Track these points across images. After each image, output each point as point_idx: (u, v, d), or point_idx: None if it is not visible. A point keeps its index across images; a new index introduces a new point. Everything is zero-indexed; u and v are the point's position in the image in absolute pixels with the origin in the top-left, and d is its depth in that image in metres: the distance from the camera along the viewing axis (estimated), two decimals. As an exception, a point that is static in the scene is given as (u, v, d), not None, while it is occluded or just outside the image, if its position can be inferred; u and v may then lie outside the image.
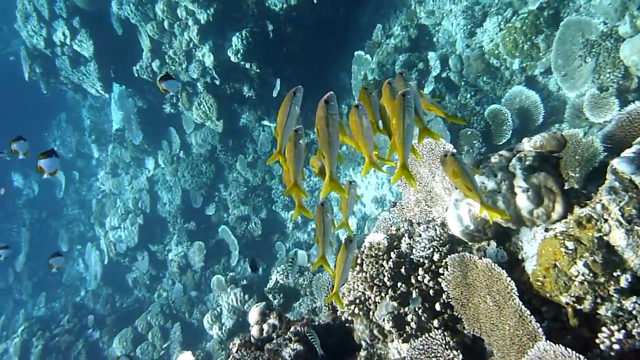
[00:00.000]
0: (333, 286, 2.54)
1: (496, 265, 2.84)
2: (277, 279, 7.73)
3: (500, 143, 6.89)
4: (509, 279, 2.77)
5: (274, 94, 8.95)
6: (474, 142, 6.99)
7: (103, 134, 16.17)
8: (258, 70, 8.82)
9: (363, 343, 3.54)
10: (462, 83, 7.67)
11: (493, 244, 3.18)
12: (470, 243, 3.28)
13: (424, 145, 3.58)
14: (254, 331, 3.99)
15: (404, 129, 2.02)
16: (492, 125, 6.99)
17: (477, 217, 3.09)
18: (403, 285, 3.27)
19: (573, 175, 4.04)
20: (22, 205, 19.84)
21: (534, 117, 6.70)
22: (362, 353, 3.48)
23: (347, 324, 3.88)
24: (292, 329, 3.90)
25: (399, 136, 2.04)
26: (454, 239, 3.31)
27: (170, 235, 12.26)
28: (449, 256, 3.08)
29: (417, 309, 3.11)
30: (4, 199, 18.80)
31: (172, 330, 10.54)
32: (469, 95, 7.53)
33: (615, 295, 2.58)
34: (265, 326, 3.99)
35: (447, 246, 3.29)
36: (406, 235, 3.51)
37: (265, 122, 10.46)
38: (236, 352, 3.78)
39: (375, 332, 3.46)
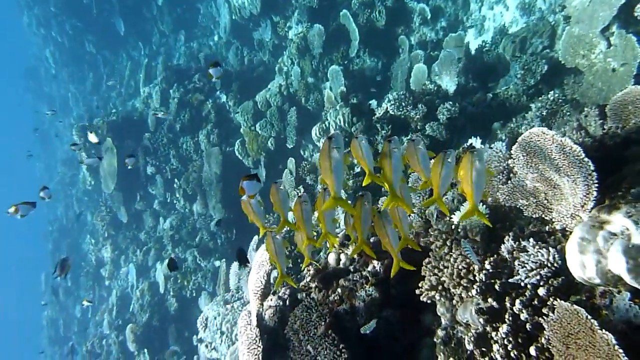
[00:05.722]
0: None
1: (621, 351, 2.18)
2: (387, 108, 7.14)
3: None
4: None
5: None
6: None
7: None
8: None
9: (442, 320, 3.25)
10: None
11: (625, 295, 2.42)
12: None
13: (554, 145, 2.57)
14: (330, 259, 3.83)
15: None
16: None
17: (607, 273, 2.32)
18: (494, 303, 2.77)
19: None
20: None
21: None
22: (440, 333, 3.21)
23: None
24: (369, 267, 3.67)
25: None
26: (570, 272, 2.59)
27: (293, 8, 11.47)
28: (558, 302, 2.44)
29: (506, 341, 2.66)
30: None
31: (288, 113, 10.75)
32: None
33: None
34: (342, 257, 3.80)
35: (560, 280, 2.59)
36: (510, 235, 2.81)
37: None
38: (310, 280, 3.72)
39: (458, 318, 3.13)
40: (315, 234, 2.81)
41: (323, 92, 10.49)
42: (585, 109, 3.98)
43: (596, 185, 2.44)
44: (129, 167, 7.74)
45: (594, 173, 2.44)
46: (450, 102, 6.89)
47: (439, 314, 3.22)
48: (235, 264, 7.74)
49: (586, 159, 2.45)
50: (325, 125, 8.19)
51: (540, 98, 6.52)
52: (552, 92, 6.41)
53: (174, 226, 13.57)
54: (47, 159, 33.31)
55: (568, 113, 6.31)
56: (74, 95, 26.82)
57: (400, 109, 7.03)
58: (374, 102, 8.85)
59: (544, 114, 6.38)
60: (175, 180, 13.52)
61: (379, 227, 2.52)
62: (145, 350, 12.72)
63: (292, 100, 10.99)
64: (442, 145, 6.97)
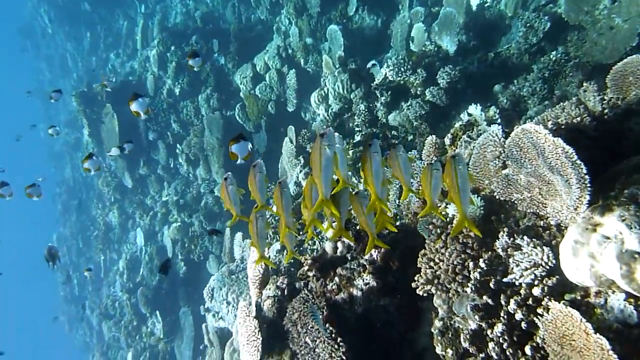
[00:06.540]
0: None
1: (615, 356, 2.17)
2: (386, 73, 6.97)
3: None
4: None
5: None
6: None
7: None
8: None
9: (440, 311, 3.27)
10: None
11: (620, 295, 2.40)
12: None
13: (547, 144, 2.51)
14: (328, 248, 3.83)
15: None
16: None
17: (600, 277, 2.30)
18: (489, 301, 2.77)
19: None
20: None
21: None
22: (438, 323, 3.23)
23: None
24: (367, 255, 3.67)
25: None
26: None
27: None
28: (553, 304, 2.43)
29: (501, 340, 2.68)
30: None
31: (287, 76, 10.54)
32: None
33: None
34: (339, 245, 3.79)
35: (554, 279, 2.57)
36: (505, 231, 2.78)
37: None
38: (308, 269, 3.74)
39: (454, 310, 3.15)
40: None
41: (322, 54, 10.24)
42: (585, 83, 3.86)
43: (589, 188, 2.38)
44: (127, 152, 7.85)
45: (587, 177, 2.37)
46: (450, 66, 6.71)
47: (435, 305, 3.24)
48: (239, 234, 7.81)
49: (579, 162, 2.38)
50: (324, 92, 8.03)
51: (542, 59, 6.34)
52: (554, 53, 6.23)
53: (179, 191, 13.64)
54: (50, 121, 33.16)
55: (570, 74, 6.15)
56: (72, 56, 26.50)
57: (400, 75, 6.86)
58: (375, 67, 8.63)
59: (546, 75, 6.23)
60: (178, 145, 13.47)
61: (356, 208, 2.55)
62: (157, 312, 13.06)
63: (291, 62, 10.75)
64: (443, 110, 6.84)
